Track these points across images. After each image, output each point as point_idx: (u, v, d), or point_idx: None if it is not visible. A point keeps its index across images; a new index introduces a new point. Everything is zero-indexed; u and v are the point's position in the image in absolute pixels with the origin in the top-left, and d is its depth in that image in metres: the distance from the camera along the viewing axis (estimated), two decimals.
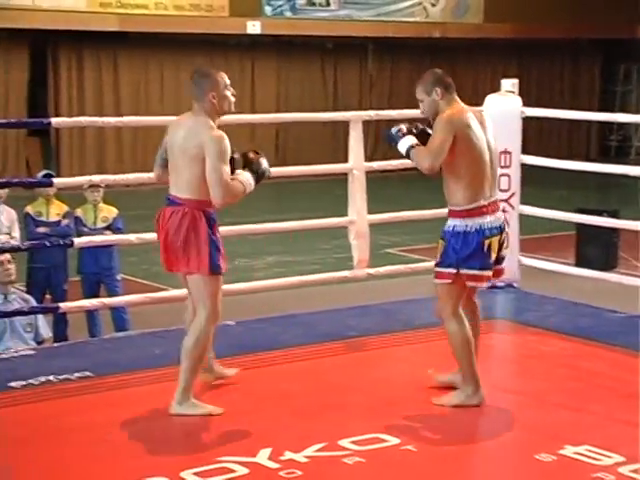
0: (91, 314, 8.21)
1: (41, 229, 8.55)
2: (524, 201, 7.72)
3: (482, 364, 5.16)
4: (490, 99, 7.60)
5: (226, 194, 4.83)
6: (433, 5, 23.55)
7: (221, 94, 4.95)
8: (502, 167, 7.11)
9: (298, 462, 4.37)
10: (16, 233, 8.51)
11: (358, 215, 7.30)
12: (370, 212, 7.39)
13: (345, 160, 7.48)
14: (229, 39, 21.78)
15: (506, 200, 7.27)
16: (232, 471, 4.28)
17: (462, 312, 5.10)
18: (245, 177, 4.98)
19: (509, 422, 5.04)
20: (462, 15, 23.79)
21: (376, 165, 8.25)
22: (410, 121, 5.38)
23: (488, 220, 5.02)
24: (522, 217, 7.75)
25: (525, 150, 7.70)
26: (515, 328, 6.84)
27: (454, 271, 5.00)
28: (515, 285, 7.64)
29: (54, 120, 8.61)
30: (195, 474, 4.23)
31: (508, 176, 7.50)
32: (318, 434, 4.65)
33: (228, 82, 5.01)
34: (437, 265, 5.13)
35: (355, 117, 7.51)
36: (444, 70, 5.24)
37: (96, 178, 7.74)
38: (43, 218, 8.65)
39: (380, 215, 7.77)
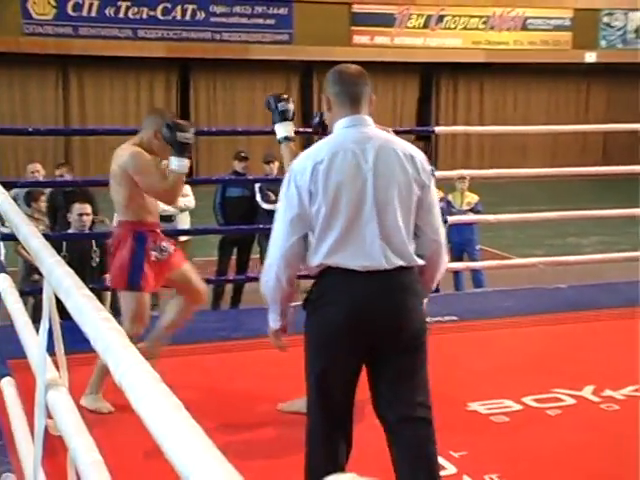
0: (457, 274, 8.22)
1: None
2: None
3: None
4: None
5: (169, 195, 3.93)
6: None
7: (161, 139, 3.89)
8: None
9: (616, 399, 4.12)
10: None
11: None
12: None
13: None
14: (569, 67, 21.00)
15: None
16: (562, 400, 4.12)
17: None
18: (174, 164, 3.83)
19: None
20: None
21: None
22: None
23: None
24: None
25: None
26: None
27: None
28: None
29: (437, 128, 8.71)
30: (534, 400, 4.13)
31: None
32: (634, 377, 4.36)
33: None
34: None
35: None
36: None
37: (464, 172, 7.76)
38: None
39: None
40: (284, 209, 2.63)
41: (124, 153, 3.87)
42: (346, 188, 2.58)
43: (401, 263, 2.61)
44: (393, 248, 2.61)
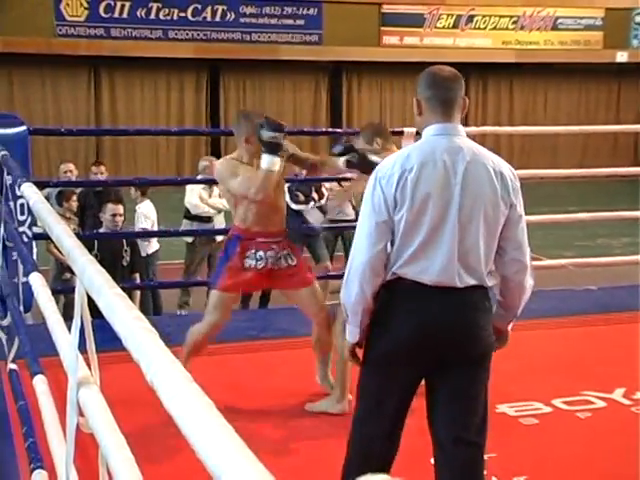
0: None
1: None
2: None
3: None
4: None
5: (258, 192, 3.74)
6: None
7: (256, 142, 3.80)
8: None
9: None
10: None
11: None
12: None
13: None
14: (600, 67, 20.81)
15: None
16: (592, 403, 4.10)
17: None
18: (262, 162, 3.73)
19: None
20: None
21: None
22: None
23: None
24: None
25: None
26: None
27: None
28: None
29: (467, 129, 8.65)
30: (563, 402, 4.10)
31: None
32: None
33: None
34: None
35: None
36: None
37: None
38: None
39: None
40: (369, 214, 2.51)
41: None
42: (432, 200, 2.47)
43: (473, 282, 2.52)
44: (468, 267, 2.51)
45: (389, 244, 2.53)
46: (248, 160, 3.89)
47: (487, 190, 2.50)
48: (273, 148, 3.71)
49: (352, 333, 2.63)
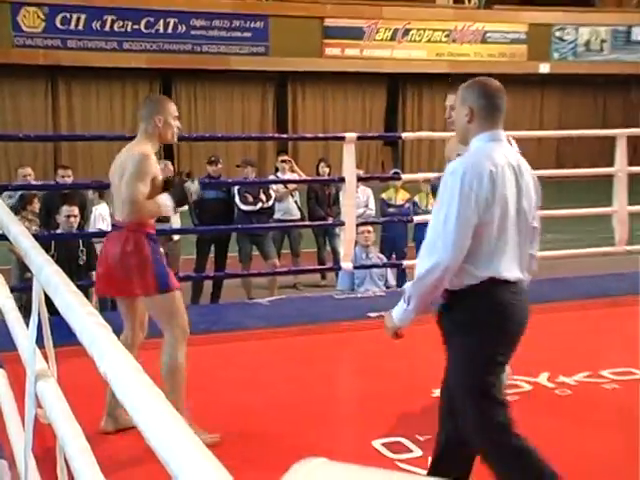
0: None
1: (390, 209, 8.71)
2: None
3: None
4: None
5: (133, 211, 3.34)
6: None
7: (167, 121, 3.50)
8: None
9: (569, 384, 4.17)
10: (372, 205, 8.68)
11: (620, 206, 6.87)
12: (630, 204, 6.94)
13: (611, 165, 7.04)
14: (525, 77, 21.16)
15: None
16: (519, 387, 4.15)
17: None
18: (162, 199, 3.44)
19: None
20: None
21: (636, 169, 7.64)
22: None
23: None
24: None
25: None
26: None
27: None
28: None
29: (404, 134, 8.72)
30: None
31: None
32: (585, 364, 4.42)
33: (176, 114, 3.56)
34: None
35: (621, 133, 7.02)
36: None
37: (429, 175, 7.77)
38: (392, 202, 8.79)
39: (638, 207, 7.18)
40: (456, 215, 2.41)
41: (129, 150, 3.48)
42: (510, 201, 2.50)
43: (526, 275, 2.63)
44: (523, 262, 2.60)
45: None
46: (155, 144, 3.51)
47: (532, 189, 2.62)
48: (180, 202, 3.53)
49: (407, 319, 2.56)
